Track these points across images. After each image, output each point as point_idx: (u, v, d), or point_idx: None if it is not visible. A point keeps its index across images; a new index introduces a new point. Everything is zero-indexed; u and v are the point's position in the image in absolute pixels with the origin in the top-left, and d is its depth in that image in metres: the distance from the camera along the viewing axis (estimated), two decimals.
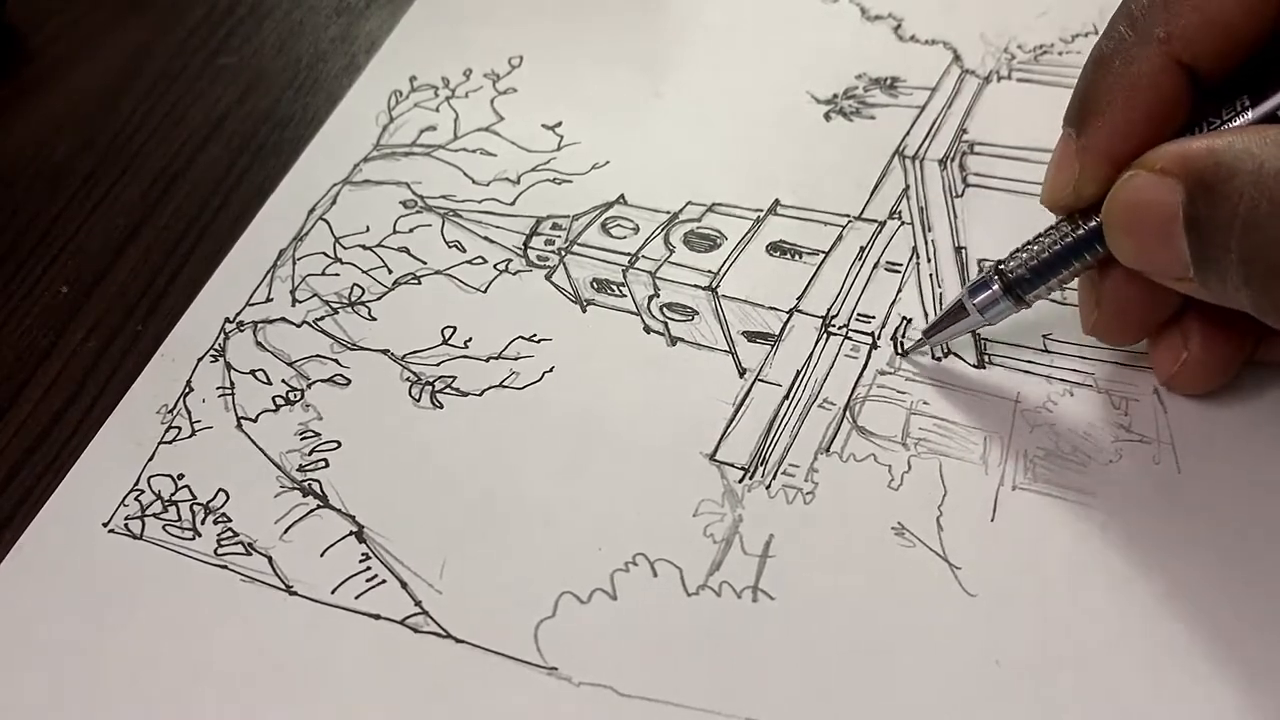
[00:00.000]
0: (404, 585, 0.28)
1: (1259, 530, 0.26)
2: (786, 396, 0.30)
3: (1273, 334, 0.26)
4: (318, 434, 0.31)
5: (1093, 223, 0.25)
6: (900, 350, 0.30)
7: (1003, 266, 0.27)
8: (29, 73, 0.44)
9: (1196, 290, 0.23)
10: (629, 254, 0.34)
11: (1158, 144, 0.24)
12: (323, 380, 0.33)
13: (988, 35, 0.38)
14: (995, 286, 0.27)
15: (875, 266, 0.33)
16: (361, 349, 0.33)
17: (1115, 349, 0.29)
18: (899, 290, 0.32)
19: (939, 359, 0.30)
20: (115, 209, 0.39)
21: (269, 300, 0.35)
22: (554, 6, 0.43)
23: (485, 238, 0.36)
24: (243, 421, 0.32)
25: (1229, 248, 0.21)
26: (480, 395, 0.32)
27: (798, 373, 0.31)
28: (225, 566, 0.29)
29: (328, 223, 0.37)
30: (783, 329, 0.32)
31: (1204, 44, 0.24)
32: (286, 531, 0.30)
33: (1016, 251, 0.27)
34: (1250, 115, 0.23)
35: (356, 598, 0.28)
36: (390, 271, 0.35)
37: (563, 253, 0.35)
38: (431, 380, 0.32)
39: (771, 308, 0.32)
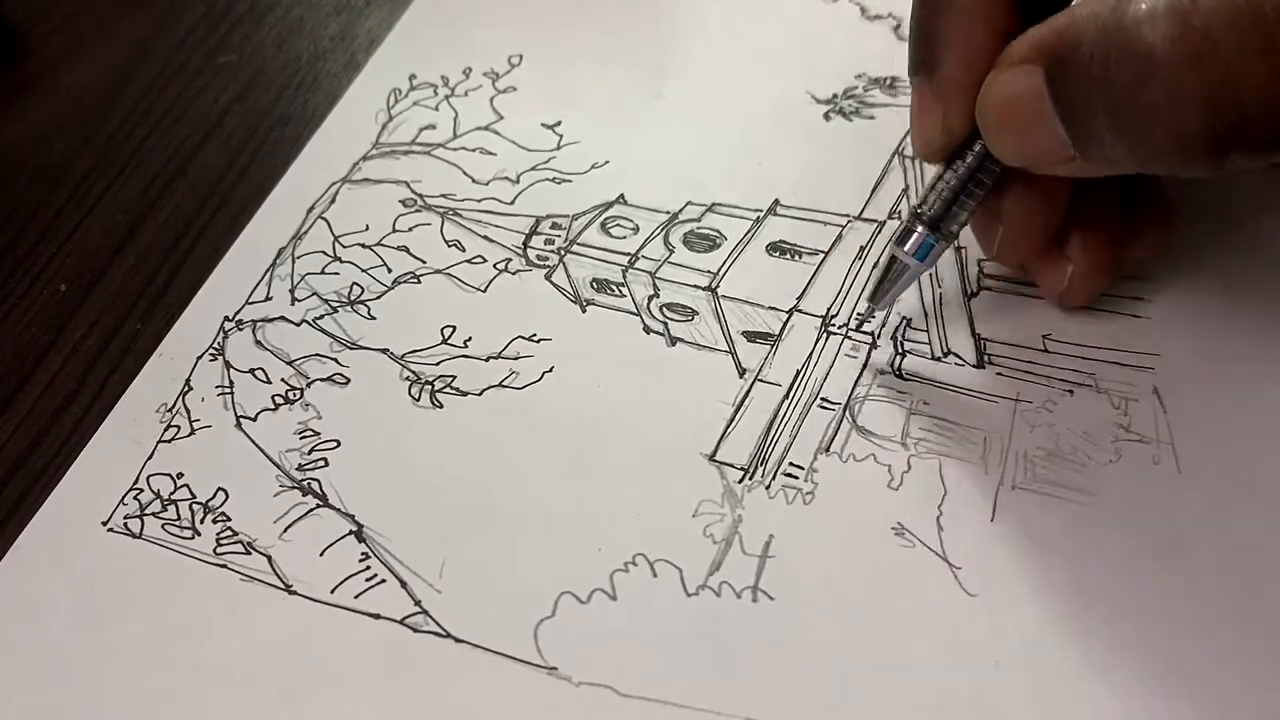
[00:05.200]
0: (403, 585, 0.28)
1: (1259, 530, 0.26)
2: (786, 396, 0.30)
3: (1138, 233, 0.29)
4: (317, 433, 0.31)
5: (976, 146, 0.26)
6: (855, 327, 0.31)
7: (919, 211, 0.28)
8: (27, 69, 0.44)
9: (1082, 167, 0.24)
10: (629, 254, 0.34)
11: None
12: (322, 379, 0.33)
13: None
14: (920, 229, 0.28)
15: (875, 266, 0.33)
16: (361, 348, 0.33)
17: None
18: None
19: (939, 358, 0.30)
20: (114, 207, 0.39)
21: (268, 299, 0.35)
22: (554, 6, 0.42)
23: (485, 237, 0.36)
24: (242, 420, 0.32)
25: (1095, 108, 0.22)
26: (480, 395, 0.32)
27: (797, 373, 0.31)
28: (225, 566, 0.29)
29: (327, 221, 0.37)
30: (782, 329, 0.32)
31: None
32: (286, 531, 0.30)
33: (925, 196, 0.28)
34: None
35: (356, 597, 0.28)
36: (390, 270, 0.35)
37: (562, 252, 0.35)
38: (431, 380, 0.32)
39: (771, 308, 0.32)
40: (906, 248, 0.28)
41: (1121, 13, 0.21)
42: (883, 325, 0.31)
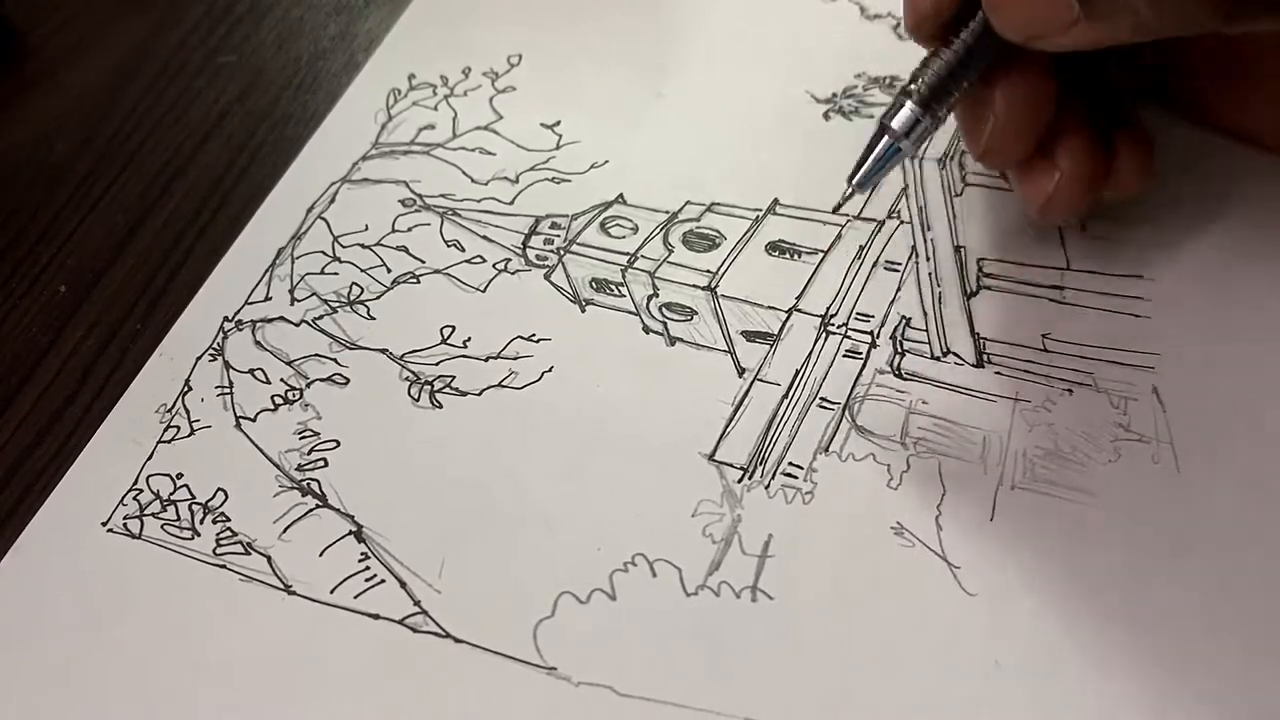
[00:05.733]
0: (403, 585, 0.28)
1: (1258, 530, 0.26)
2: (785, 396, 0.30)
3: (1119, 163, 0.29)
4: (316, 433, 0.31)
5: (971, 23, 0.26)
6: (833, 210, 0.30)
7: (910, 88, 0.27)
8: (28, 70, 0.44)
9: (1084, 32, 0.24)
10: (628, 254, 0.34)
11: None
12: (321, 379, 0.33)
13: None
14: (909, 105, 0.27)
15: (874, 265, 0.33)
16: (360, 348, 0.33)
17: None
18: (898, 289, 0.32)
19: (938, 358, 0.30)
20: (114, 207, 0.39)
21: (268, 299, 0.35)
22: (553, 5, 0.42)
23: (484, 237, 0.36)
24: (241, 421, 0.32)
25: None
26: (479, 395, 0.32)
27: (796, 372, 0.31)
28: (224, 566, 0.29)
29: (326, 221, 0.37)
30: (781, 328, 0.32)
31: None
32: (285, 531, 0.30)
33: (915, 74, 0.27)
34: None
35: (355, 597, 0.28)
36: (389, 270, 0.35)
37: (562, 252, 0.35)
38: (430, 380, 0.32)
39: (770, 307, 0.32)
40: (895, 123, 0.27)
41: None
42: (882, 325, 0.31)
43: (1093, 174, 0.29)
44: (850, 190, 0.28)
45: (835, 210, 0.30)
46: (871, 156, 0.27)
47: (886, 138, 0.27)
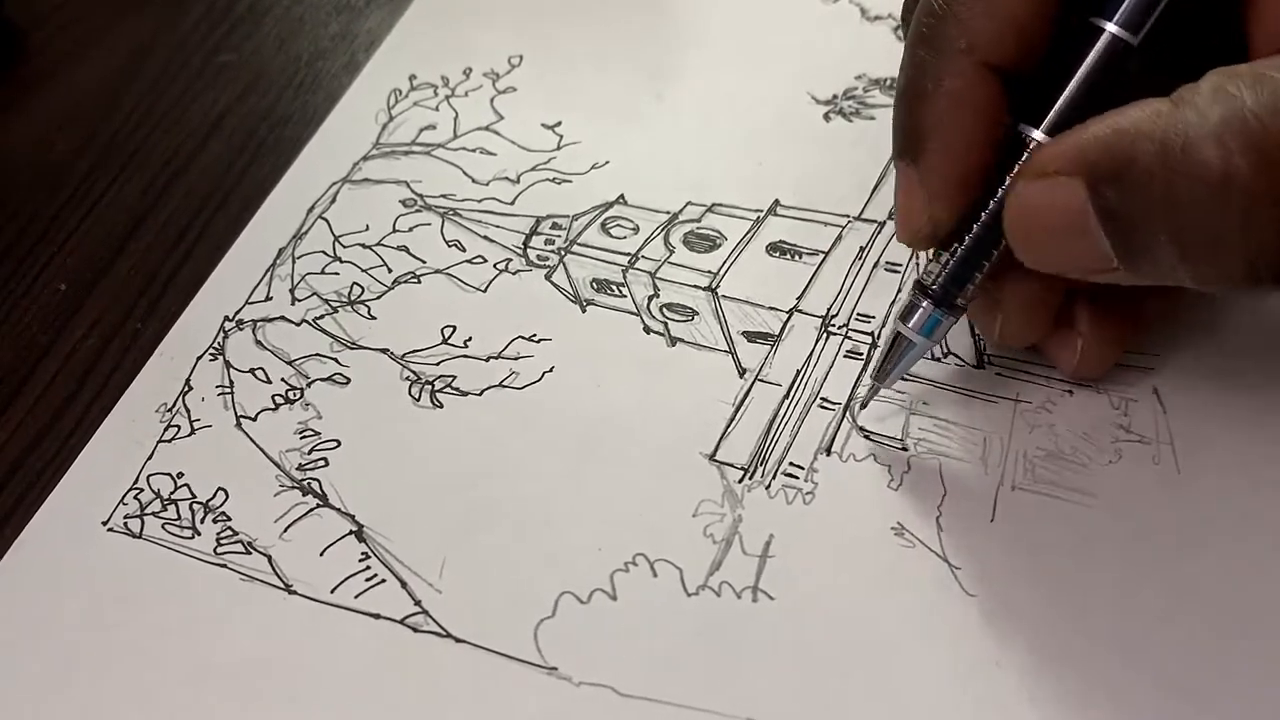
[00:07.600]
0: (403, 584, 0.28)
1: (1259, 530, 0.26)
2: (786, 396, 0.30)
3: (1152, 298, 0.28)
4: (317, 433, 0.31)
5: (983, 216, 0.25)
6: (861, 406, 0.29)
7: (924, 284, 0.26)
8: (28, 70, 0.44)
9: (1124, 278, 0.23)
10: (629, 254, 0.34)
11: (989, 151, 0.24)
12: (322, 379, 0.33)
13: None
14: (925, 304, 0.26)
15: (875, 266, 0.33)
16: (361, 348, 0.33)
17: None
18: (899, 290, 0.32)
19: (939, 359, 0.30)
20: (115, 207, 0.39)
21: (268, 299, 0.35)
22: (554, 6, 0.43)
23: (485, 237, 0.36)
24: (242, 420, 0.32)
25: (1155, 229, 0.21)
26: (480, 395, 0.32)
27: (797, 373, 0.31)
28: (224, 565, 0.29)
29: (327, 221, 0.37)
30: (782, 329, 0.32)
31: (1004, 44, 0.24)
32: (286, 531, 0.30)
33: (928, 269, 0.26)
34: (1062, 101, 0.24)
35: (356, 597, 0.28)
36: (390, 270, 0.35)
37: (563, 252, 0.35)
38: (431, 379, 0.32)
39: (771, 308, 0.32)
40: (911, 324, 0.27)
41: (1181, 131, 0.20)
42: (883, 325, 0.31)
43: (1120, 332, 0.28)
44: (875, 386, 0.28)
45: (863, 407, 0.29)
46: (901, 363, 0.27)
47: (910, 342, 0.27)
